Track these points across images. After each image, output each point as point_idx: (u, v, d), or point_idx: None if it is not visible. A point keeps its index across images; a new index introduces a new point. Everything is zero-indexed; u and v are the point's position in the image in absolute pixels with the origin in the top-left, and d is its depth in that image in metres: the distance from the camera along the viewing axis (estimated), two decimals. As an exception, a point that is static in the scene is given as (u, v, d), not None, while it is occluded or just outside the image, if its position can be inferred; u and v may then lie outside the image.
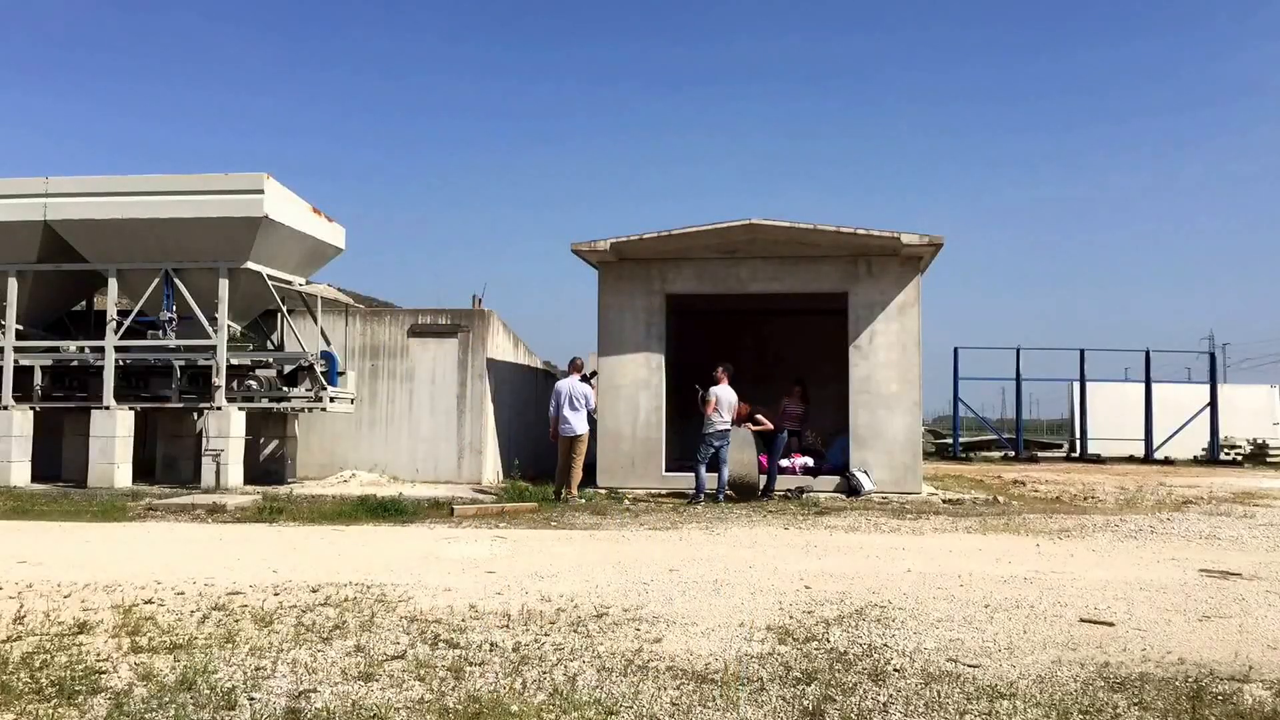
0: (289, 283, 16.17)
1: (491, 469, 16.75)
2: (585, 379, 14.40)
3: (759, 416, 14.43)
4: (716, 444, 13.65)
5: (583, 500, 13.24)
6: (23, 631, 5.40)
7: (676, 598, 6.52)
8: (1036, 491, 15.74)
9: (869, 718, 4.10)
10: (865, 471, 14.53)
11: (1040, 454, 28.04)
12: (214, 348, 15.05)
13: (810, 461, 15.56)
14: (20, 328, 15.84)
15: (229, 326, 15.25)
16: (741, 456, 13.74)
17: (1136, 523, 11.46)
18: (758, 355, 22.89)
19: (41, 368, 15.75)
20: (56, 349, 15.89)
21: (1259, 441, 26.93)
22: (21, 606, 6.02)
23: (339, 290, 19.47)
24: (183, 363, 15.45)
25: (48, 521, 10.96)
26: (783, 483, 14.61)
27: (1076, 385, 27.34)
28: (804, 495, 14.04)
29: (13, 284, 15.63)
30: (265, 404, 15.63)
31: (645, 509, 12.54)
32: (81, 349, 15.86)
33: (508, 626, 5.63)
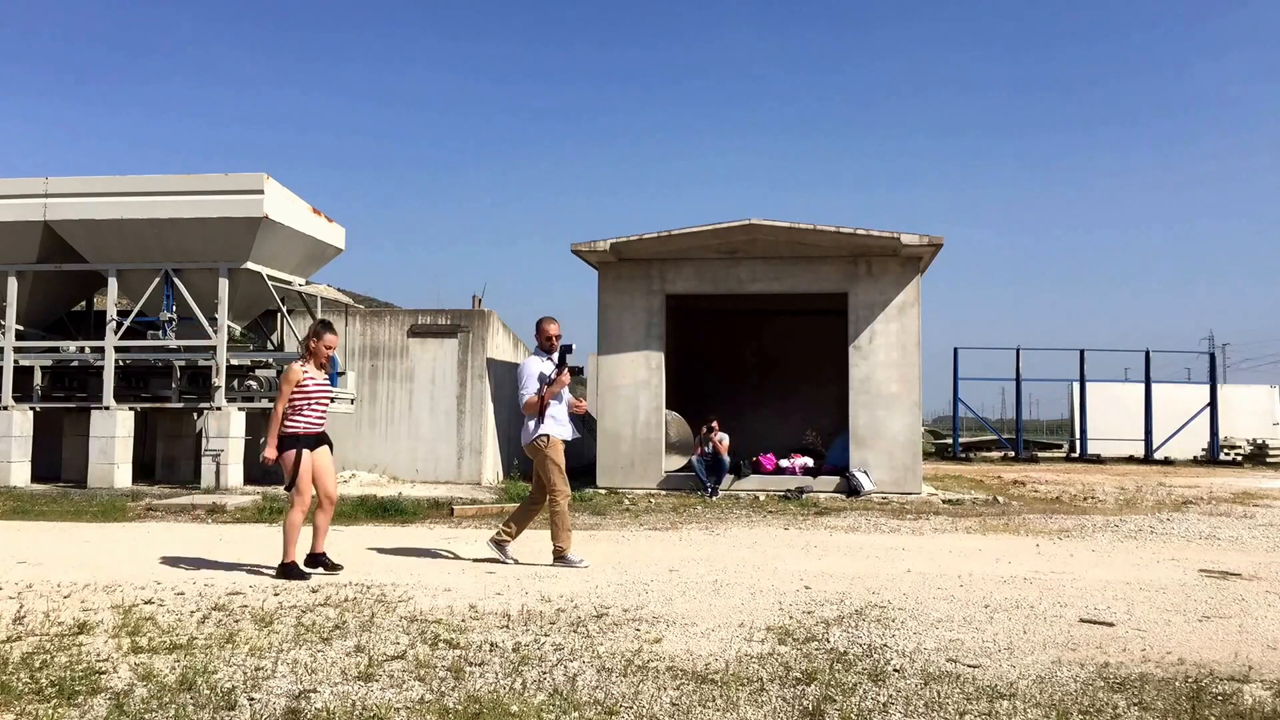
0: (289, 283, 16.18)
1: (491, 469, 16.75)
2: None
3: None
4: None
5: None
6: (23, 631, 5.39)
7: (676, 598, 6.52)
8: (1036, 492, 15.74)
9: (869, 718, 4.10)
10: (865, 471, 14.54)
11: (1040, 454, 28.05)
12: (214, 348, 15.06)
13: (810, 461, 15.57)
14: (20, 328, 15.85)
15: (229, 326, 15.26)
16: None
17: (1136, 523, 11.46)
18: (758, 355, 22.93)
19: (41, 368, 15.75)
20: (56, 349, 15.89)
21: (1259, 442, 26.93)
22: (21, 606, 6.02)
23: (339, 290, 19.47)
24: (183, 363, 15.46)
25: (48, 521, 10.96)
26: (783, 483, 14.64)
27: (1076, 385, 27.34)
28: (804, 495, 14.05)
29: (13, 284, 15.63)
30: (265, 404, 15.64)
31: (645, 509, 12.54)
32: (81, 349, 15.87)
33: (508, 626, 5.63)
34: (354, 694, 4.30)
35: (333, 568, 7.35)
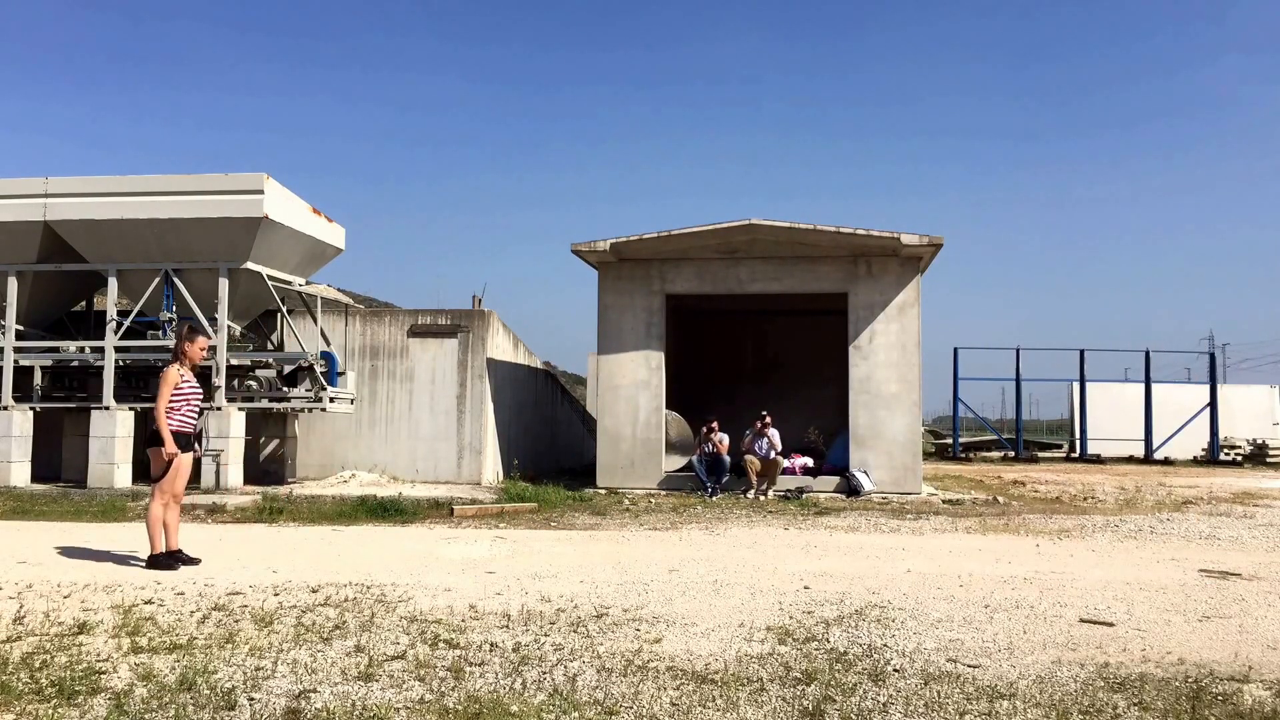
0: (289, 283, 16.17)
1: (491, 469, 16.75)
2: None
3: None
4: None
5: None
6: (23, 631, 5.39)
7: (676, 598, 6.52)
8: (1036, 492, 15.74)
9: (869, 718, 4.10)
10: (865, 471, 14.53)
11: (1040, 454, 28.05)
12: (214, 347, 15.05)
13: (810, 461, 15.57)
14: (20, 328, 15.85)
15: (229, 327, 15.25)
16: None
17: (1136, 523, 11.46)
18: (758, 355, 22.93)
19: (41, 368, 15.75)
20: (56, 349, 15.89)
21: (1259, 442, 26.92)
22: (21, 606, 6.02)
23: (339, 290, 19.47)
24: (183, 363, 15.43)
25: (48, 521, 10.95)
26: (783, 483, 14.63)
27: (1076, 385, 27.33)
28: (804, 495, 14.05)
29: (13, 284, 15.63)
30: (265, 404, 15.64)
31: (645, 509, 12.54)
32: (81, 349, 15.87)
33: (508, 626, 5.63)
34: (354, 694, 4.30)
35: (191, 561, 7.64)
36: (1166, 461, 24.98)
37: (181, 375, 7.65)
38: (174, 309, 15.21)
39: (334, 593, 6.57)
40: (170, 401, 7.55)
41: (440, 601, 6.32)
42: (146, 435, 7.76)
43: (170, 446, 7.47)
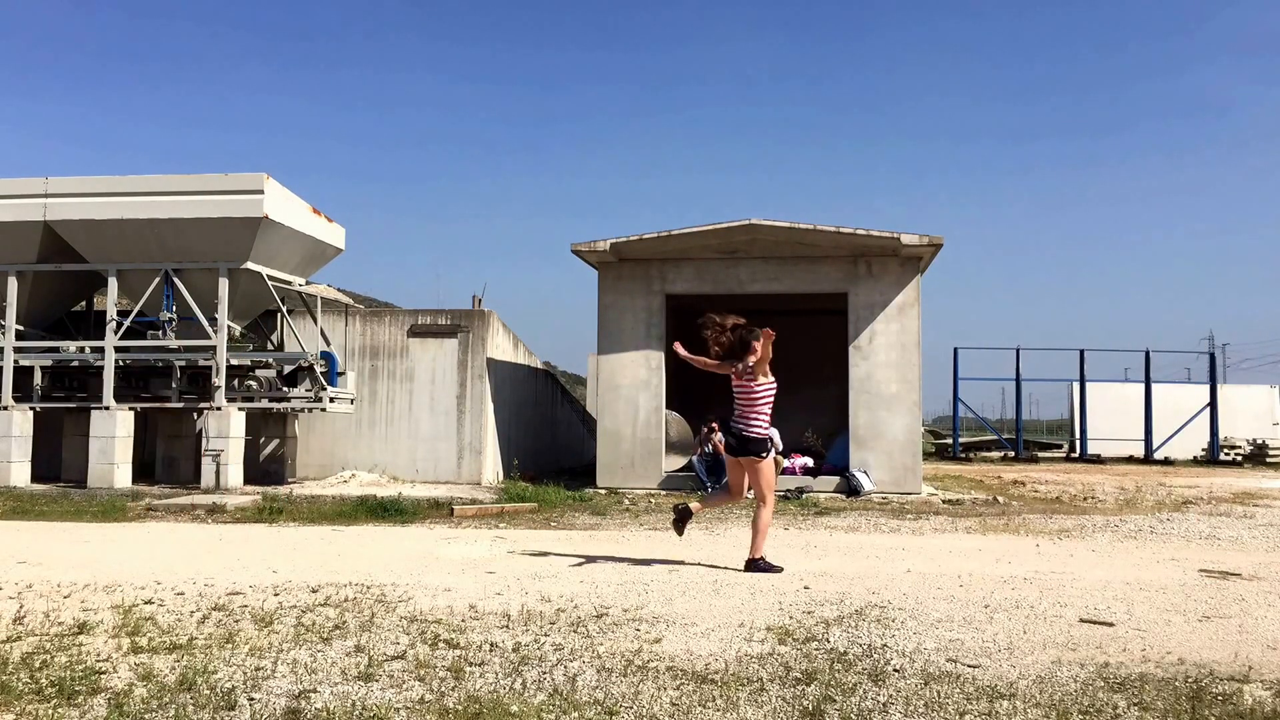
0: (289, 283, 16.18)
1: (491, 469, 16.75)
2: None
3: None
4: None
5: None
6: (23, 631, 5.39)
7: (676, 598, 6.52)
8: (1036, 492, 15.74)
9: (869, 718, 4.10)
10: (865, 472, 14.54)
11: (1040, 454, 28.05)
12: (214, 348, 15.06)
13: (810, 461, 15.57)
14: (20, 328, 15.85)
15: (229, 327, 15.26)
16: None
17: (1136, 523, 11.46)
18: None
19: (41, 368, 15.76)
20: (56, 349, 15.90)
21: (1259, 442, 26.92)
22: (21, 606, 6.02)
23: (339, 290, 19.47)
24: (183, 363, 15.46)
25: (48, 521, 10.96)
26: (783, 483, 14.63)
27: (1076, 385, 27.33)
28: (804, 495, 14.05)
29: (13, 284, 15.63)
30: (265, 404, 15.64)
31: (645, 509, 12.54)
32: (81, 349, 15.88)
33: (508, 626, 5.62)
34: (354, 694, 4.30)
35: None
36: (1166, 461, 24.98)
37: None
38: (174, 309, 15.23)
39: (334, 593, 6.57)
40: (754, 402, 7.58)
41: (440, 601, 6.32)
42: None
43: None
